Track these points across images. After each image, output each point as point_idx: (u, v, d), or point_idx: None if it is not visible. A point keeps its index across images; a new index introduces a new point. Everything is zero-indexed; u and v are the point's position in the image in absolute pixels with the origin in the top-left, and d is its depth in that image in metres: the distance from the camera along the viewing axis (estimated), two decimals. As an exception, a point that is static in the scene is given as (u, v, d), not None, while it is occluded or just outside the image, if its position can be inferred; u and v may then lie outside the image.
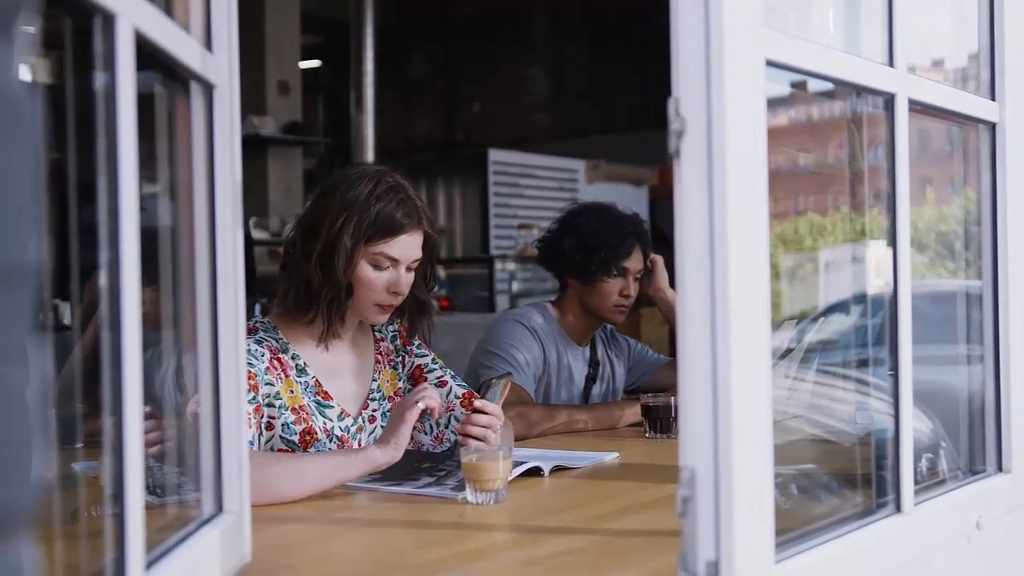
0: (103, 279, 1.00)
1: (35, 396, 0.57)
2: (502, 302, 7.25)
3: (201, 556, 1.25)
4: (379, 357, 2.35)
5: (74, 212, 1.06)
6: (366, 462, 1.93)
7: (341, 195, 2.16)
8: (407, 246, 2.18)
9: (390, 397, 2.33)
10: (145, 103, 1.08)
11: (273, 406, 2.11)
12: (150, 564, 1.09)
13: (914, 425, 1.56)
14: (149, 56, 1.11)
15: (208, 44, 1.34)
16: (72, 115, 1.09)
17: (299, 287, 2.17)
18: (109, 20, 0.99)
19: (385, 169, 2.26)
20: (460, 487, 1.90)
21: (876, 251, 1.96)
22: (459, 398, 2.32)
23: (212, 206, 1.36)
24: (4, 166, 0.55)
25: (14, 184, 0.56)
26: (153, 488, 1.31)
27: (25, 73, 0.60)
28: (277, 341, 2.20)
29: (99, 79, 1.01)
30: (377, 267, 2.17)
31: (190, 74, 1.28)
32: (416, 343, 2.40)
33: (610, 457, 2.34)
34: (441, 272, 7.62)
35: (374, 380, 2.32)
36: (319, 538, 1.70)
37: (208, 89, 1.34)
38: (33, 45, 0.63)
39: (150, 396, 1.09)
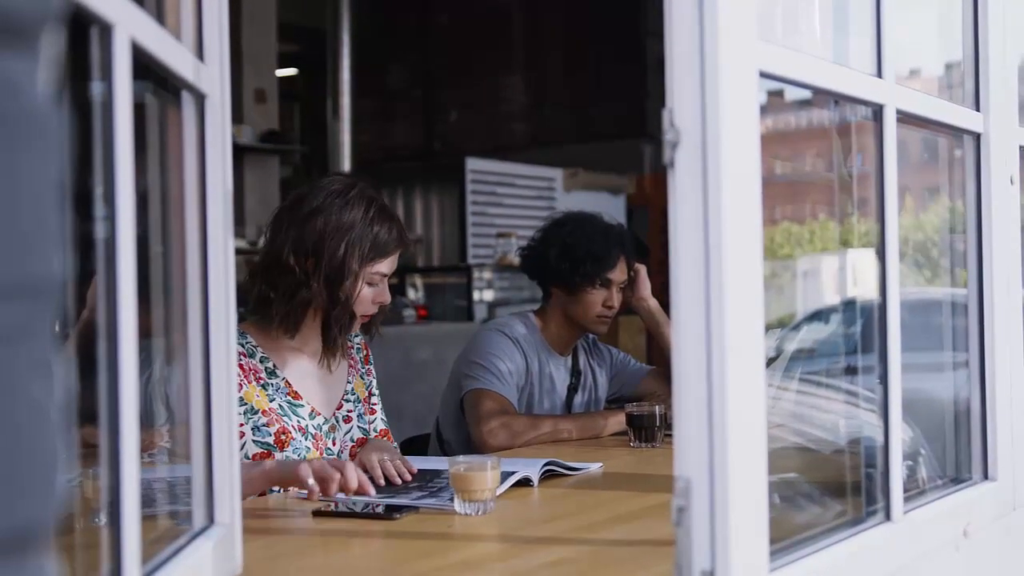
0: (100, 290, 0.99)
1: (58, 410, 0.57)
2: (480, 311, 7.24)
3: (194, 568, 1.24)
4: (352, 362, 2.44)
5: (68, 222, 1.05)
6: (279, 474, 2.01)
7: (336, 219, 2.22)
8: (395, 261, 2.32)
9: (364, 400, 2.42)
10: (135, 113, 1.07)
11: (238, 412, 2.13)
12: (145, 577, 1.08)
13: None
14: (142, 65, 1.10)
15: (200, 54, 1.33)
16: (66, 124, 1.08)
17: (298, 307, 2.23)
18: (106, 30, 0.98)
19: (365, 186, 2.33)
20: (448, 500, 1.90)
21: (854, 260, 1.97)
22: (377, 432, 2.41)
23: (203, 216, 1.35)
24: (33, 181, 0.55)
25: (42, 198, 0.56)
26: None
27: (49, 86, 0.60)
28: (243, 346, 2.24)
29: (95, 88, 1.00)
30: (370, 284, 2.27)
31: (183, 84, 1.28)
32: (369, 365, 2.50)
33: (595, 467, 2.34)
34: (418, 281, 7.62)
35: (348, 382, 2.40)
36: (309, 550, 1.70)
37: (200, 99, 1.33)
38: (57, 57, 0.63)
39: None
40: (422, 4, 10.14)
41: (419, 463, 2.29)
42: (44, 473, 0.55)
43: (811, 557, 1.34)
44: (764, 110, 1.53)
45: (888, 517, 1.52)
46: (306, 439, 2.24)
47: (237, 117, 7.28)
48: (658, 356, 3.54)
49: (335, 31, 8.59)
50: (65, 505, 0.60)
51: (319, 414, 2.30)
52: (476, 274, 7.39)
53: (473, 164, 7.90)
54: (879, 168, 1.53)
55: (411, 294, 7.41)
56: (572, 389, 3.11)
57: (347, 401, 2.38)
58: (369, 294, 2.27)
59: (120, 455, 1.00)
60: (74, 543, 1.31)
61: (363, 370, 2.46)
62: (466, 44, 9.82)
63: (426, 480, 2.12)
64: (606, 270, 2.97)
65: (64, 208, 0.60)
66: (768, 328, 2.32)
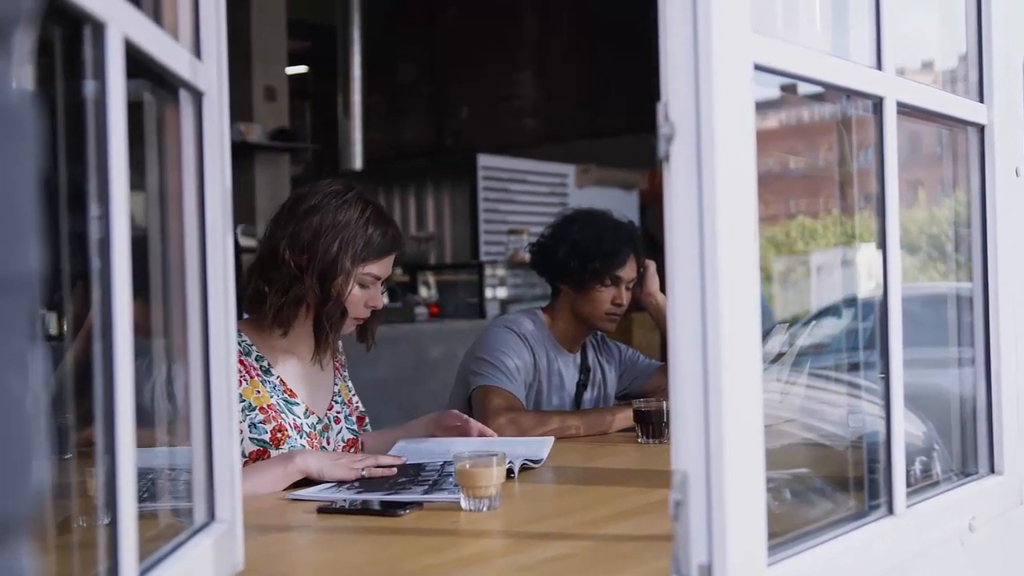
0: (95, 289, 0.99)
1: (35, 404, 0.58)
2: (492, 308, 7.24)
3: (194, 565, 1.25)
4: (337, 366, 2.48)
5: (63, 221, 1.05)
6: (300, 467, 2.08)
7: (332, 217, 2.26)
8: (390, 265, 2.34)
9: (347, 402, 2.46)
10: (133, 111, 1.07)
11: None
12: (143, 573, 1.09)
13: (907, 428, 1.56)
14: (138, 64, 1.11)
15: (197, 52, 1.34)
16: (60, 123, 1.08)
17: (291, 303, 2.25)
18: (99, 28, 0.98)
19: (363, 190, 2.37)
20: (457, 490, 1.89)
21: (867, 254, 1.96)
22: (344, 441, 2.41)
23: (202, 214, 1.35)
24: (8, 177, 0.56)
25: (18, 194, 0.56)
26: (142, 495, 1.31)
27: (24, 82, 0.60)
28: (240, 345, 2.26)
29: (88, 87, 1.01)
30: (362, 286, 2.30)
31: (179, 82, 1.28)
32: (346, 371, 2.54)
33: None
34: (430, 278, 7.62)
35: (335, 384, 2.45)
36: (311, 547, 1.70)
37: (197, 97, 1.34)
38: (30, 54, 0.63)
39: (140, 406, 1.08)
40: (431, 0, 10.14)
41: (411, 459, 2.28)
42: (19, 465, 0.56)
43: (810, 551, 1.34)
44: (778, 104, 1.53)
45: (891, 511, 1.52)
46: (301, 437, 2.27)
47: (247, 115, 7.29)
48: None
49: (345, 28, 8.60)
50: (42, 498, 0.60)
51: (313, 413, 2.34)
52: (488, 271, 7.39)
53: (485, 161, 7.89)
54: (879, 161, 1.53)
55: (423, 292, 7.41)
56: (582, 386, 3.11)
57: (336, 403, 2.43)
58: (361, 296, 2.29)
59: (116, 451, 1.00)
60: (78, 541, 1.32)
61: (344, 374, 2.51)
62: (476, 40, 9.82)
63: (413, 476, 2.11)
64: (615, 268, 2.96)
65: (41, 205, 0.60)
66: (781, 323, 2.31)
